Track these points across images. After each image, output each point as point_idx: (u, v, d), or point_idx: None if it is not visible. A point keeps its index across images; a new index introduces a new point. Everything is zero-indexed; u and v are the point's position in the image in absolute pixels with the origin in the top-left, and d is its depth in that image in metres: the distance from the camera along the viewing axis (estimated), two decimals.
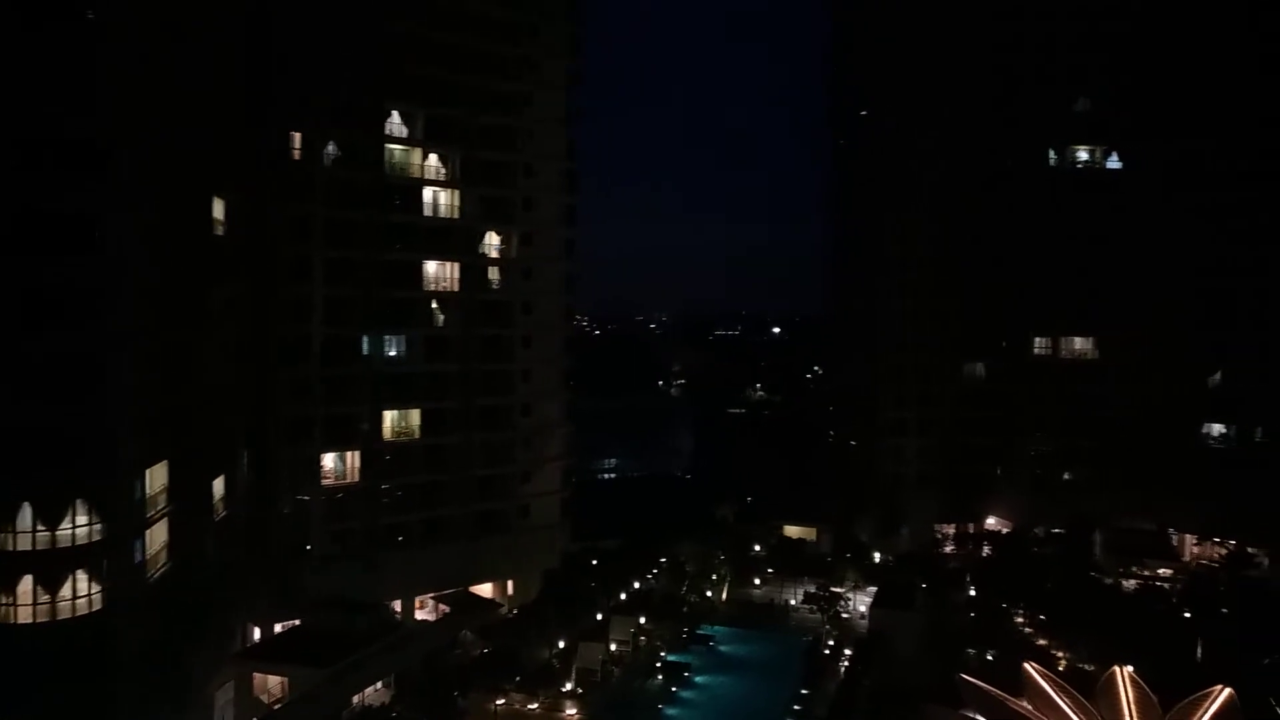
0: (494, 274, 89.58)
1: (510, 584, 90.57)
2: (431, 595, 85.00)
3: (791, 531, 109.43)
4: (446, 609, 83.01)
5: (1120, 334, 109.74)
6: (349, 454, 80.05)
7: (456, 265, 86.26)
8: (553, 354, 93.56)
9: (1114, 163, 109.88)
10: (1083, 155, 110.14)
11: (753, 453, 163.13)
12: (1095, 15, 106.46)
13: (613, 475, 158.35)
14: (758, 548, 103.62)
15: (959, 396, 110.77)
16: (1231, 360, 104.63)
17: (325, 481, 78.76)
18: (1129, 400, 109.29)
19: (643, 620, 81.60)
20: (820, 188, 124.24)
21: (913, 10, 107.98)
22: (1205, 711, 55.92)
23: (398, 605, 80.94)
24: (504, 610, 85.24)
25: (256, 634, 73.02)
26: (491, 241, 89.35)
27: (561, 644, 74.92)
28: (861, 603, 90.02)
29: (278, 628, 73.23)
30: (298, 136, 75.76)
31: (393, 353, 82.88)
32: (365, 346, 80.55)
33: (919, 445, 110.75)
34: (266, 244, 73.76)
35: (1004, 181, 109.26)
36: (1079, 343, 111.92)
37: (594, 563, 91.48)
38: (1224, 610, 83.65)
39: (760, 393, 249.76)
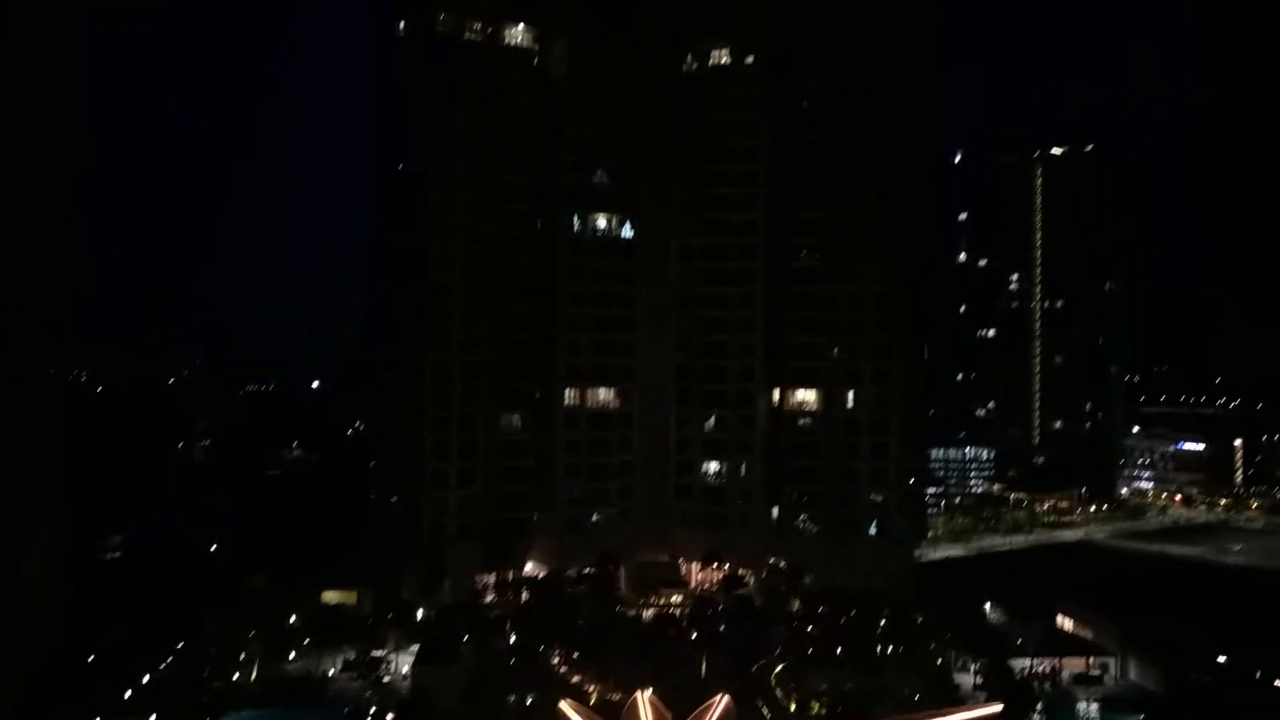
0: None
1: None
2: None
3: (330, 597, 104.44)
4: None
5: (636, 384, 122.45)
6: None
7: None
8: (30, 410, 79.69)
9: (628, 231, 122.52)
10: (601, 223, 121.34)
11: (289, 516, 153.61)
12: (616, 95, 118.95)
13: (120, 553, 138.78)
14: (294, 617, 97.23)
15: (499, 446, 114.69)
16: (719, 407, 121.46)
17: None
18: (646, 443, 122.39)
19: (154, 718, 72.04)
20: (366, 238, 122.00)
21: (450, 73, 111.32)
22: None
23: None
24: None
25: None
26: None
27: None
28: (405, 663, 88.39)
29: None
30: None
31: None
32: None
33: (461, 496, 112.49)
34: None
35: (534, 241, 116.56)
36: (603, 393, 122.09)
37: (91, 658, 79.02)
38: (721, 627, 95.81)
39: (298, 451, 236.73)
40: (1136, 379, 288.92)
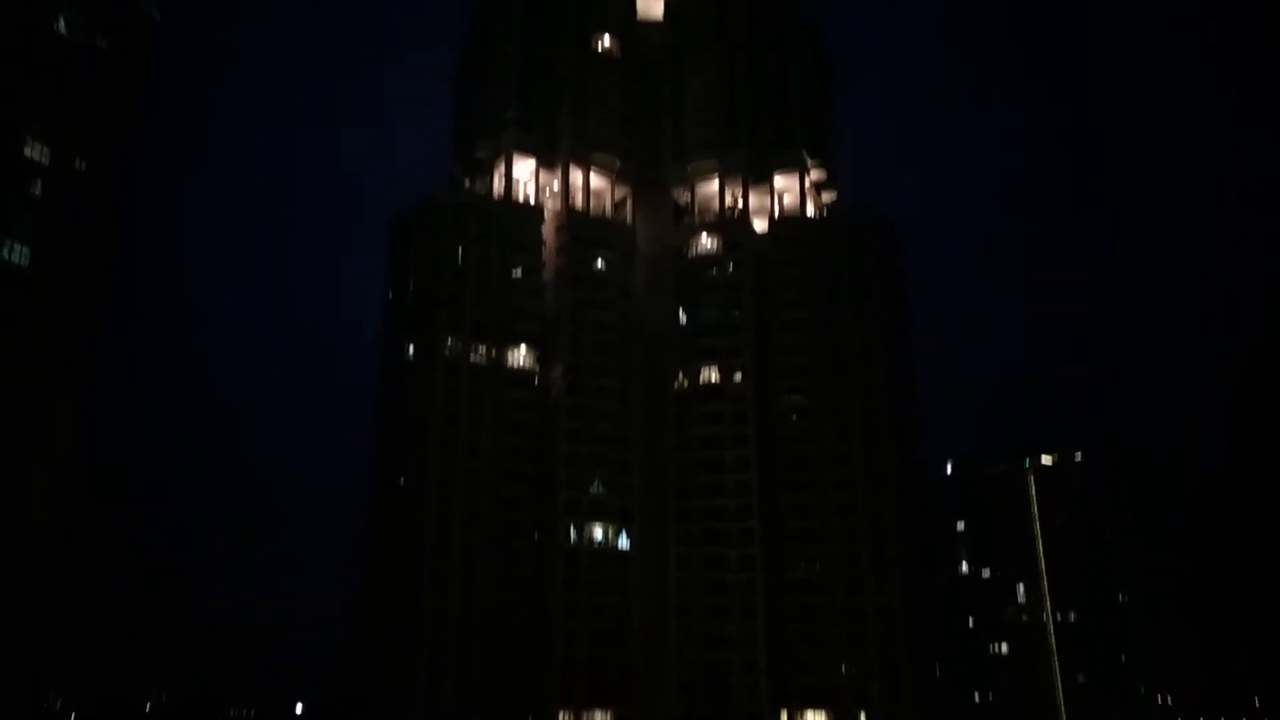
0: None
1: None
2: None
3: None
4: None
5: (636, 706, 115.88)
6: None
7: None
8: None
9: (624, 541, 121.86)
10: (598, 533, 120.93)
11: None
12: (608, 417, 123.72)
13: None
14: None
15: None
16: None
17: None
18: None
19: None
20: (356, 548, 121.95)
21: (455, 392, 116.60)
22: None
23: None
24: None
25: None
26: None
27: None
28: None
29: None
30: None
31: None
32: None
33: None
34: None
35: (530, 553, 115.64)
36: (599, 716, 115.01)
37: None
38: None
39: None
40: (1170, 700, 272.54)
